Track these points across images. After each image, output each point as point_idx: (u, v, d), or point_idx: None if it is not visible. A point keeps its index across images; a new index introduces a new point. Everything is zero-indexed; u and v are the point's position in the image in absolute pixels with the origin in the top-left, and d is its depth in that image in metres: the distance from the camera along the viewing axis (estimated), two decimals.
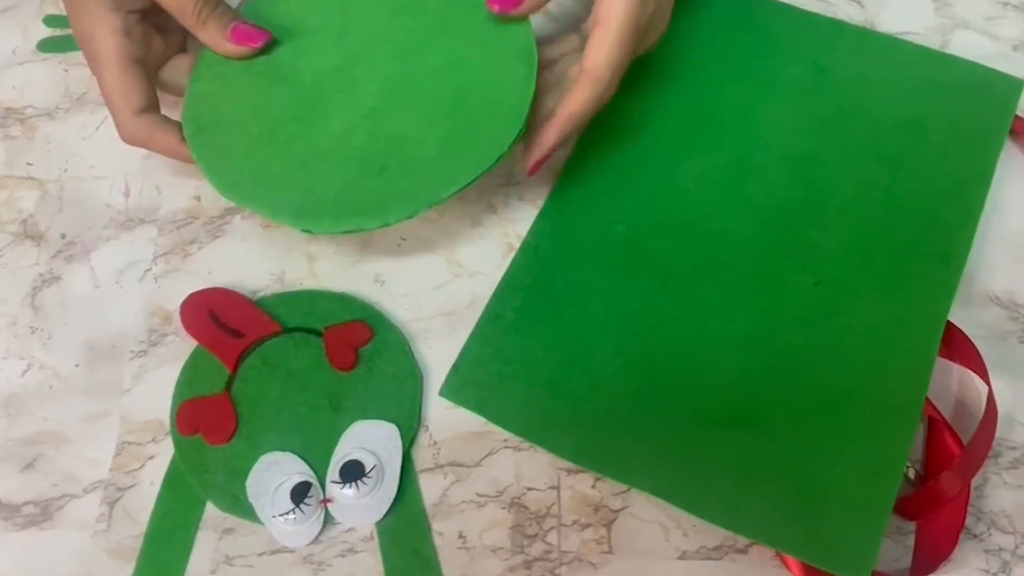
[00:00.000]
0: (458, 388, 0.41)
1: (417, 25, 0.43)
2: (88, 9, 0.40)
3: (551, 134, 0.41)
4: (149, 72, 0.42)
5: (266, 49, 0.42)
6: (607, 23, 0.40)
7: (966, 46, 0.50)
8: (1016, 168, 0.47)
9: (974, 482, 0.39)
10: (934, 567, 0.37)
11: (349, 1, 0.44)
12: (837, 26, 0.51)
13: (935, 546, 0.38)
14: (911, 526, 0.39)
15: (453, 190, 0.39)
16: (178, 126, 0.42)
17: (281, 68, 0.42)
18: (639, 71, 0.45)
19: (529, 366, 0.42)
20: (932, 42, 0.50)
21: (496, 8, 0.41)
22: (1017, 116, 0.47)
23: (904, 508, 0.39)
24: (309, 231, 0.40)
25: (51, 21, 0.53)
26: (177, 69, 0.44)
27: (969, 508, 0.39)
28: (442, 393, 0.41)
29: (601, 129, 0.47)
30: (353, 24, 0.43)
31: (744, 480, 0.39)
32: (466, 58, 0.41)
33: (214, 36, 0.42)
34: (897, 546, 0.39)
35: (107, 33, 0.40)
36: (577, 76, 0.41)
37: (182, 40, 0.45)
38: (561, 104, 0.41)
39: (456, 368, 0.42)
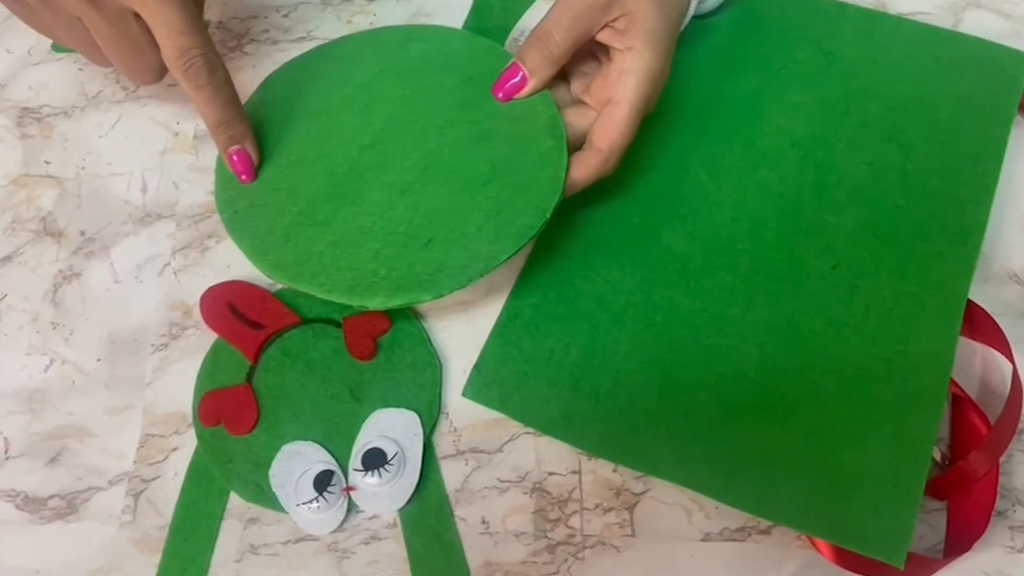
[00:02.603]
0: (481, 388, 0.42)
1: (441, 103, 0.43)
2: None
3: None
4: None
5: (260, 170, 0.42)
6: (621, 102, 0.40)
7: (979, 25, 0.50)
8: None
9: (1000, 460, 0.39)
10: (967, 546, 0.37)
11: (368, 79, 0.44)
12: (841, 8, 0.51)
13: (967, 525, 0.38)
14: (937, 505, 0.39)
15: (503, 258, 0.39)
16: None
17: (311, 148, 0.42)
18: None
19: (550, 362, 0.42)
20: (944, 21, 0.50)
21: (501, 96, 0.42)
22: None
23: (933, 488, 0.39)
24: (364, 307, 0.40)
25: None
26: None
27: None
28: (465, 394, 0.41)
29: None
30: (376, 102, 0.43)
31: (771, 466, 0.39)
32: (493, 131, 0.42)
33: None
34: (923, 525, 0.39)
35: None
36: (585, 148, 0.41)
37: None
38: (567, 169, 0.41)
39: (478, 368, 0.42)
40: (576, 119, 0.42)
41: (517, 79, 0.42)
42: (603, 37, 0.41)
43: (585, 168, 0.41)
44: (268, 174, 0.42)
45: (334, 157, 0.42)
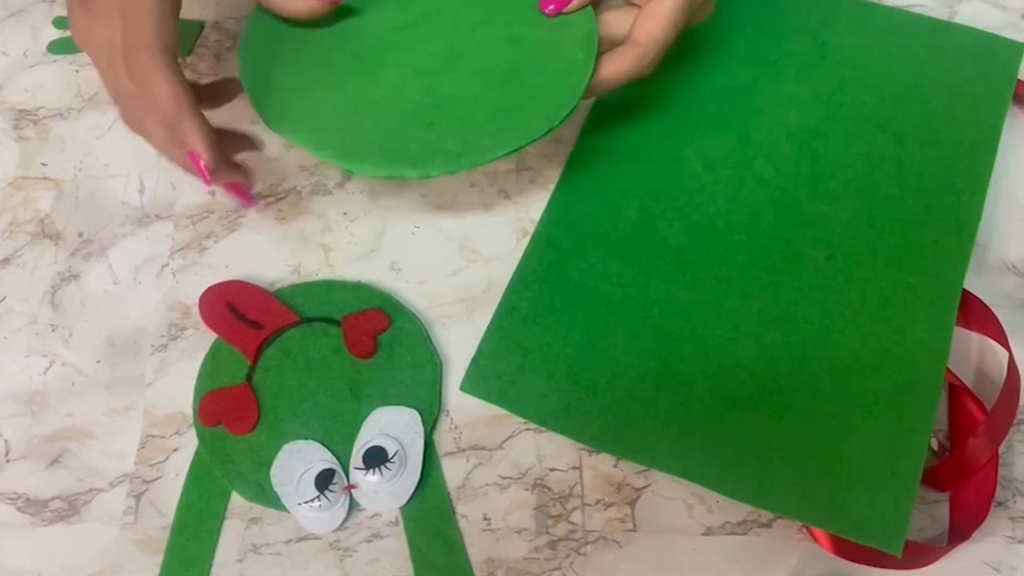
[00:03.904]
0: (478, 382, 0.42)
1: (480, 3, 0.43)
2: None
3: None
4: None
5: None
6: None
7: (974, 16, 0.50)
8: (1022, 133, 0.47)
9: (999, 450, 0.39)
10: (968, 535, 0.37)
11: None
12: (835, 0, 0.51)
13: (968, 515, 0.38)
14: (936, 495, 0.39)
15: (499, 153, 0.39)
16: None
17: (343, 21, 0.42)
18: None
19: (547, 356, 0.42)
20: (940, 12, 0.50)
21: (551, 9, 0.42)
22: (1020, 80, 0.47)
23: (934, 478, 0.39)
24: (350, 171, 0.40)
25: (61, 23, 0.53)
26: None
27: None
28: (463, 388, 0.41)
29: (607, 114, 0.47)
30: None
31: (769, 457, 0.39)
32: (526, 36, 0.42)
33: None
34: (923, 516, 0.39)
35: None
36: (624, 43, 0.40)
37: None
38: (598, 65, 0.40)
39: (475, 362, 0.42)
40: (621, 19, 0.41)
41: None
42: None
43: (621, 62, 0.40)
44: (296, 34, 0.42)
45: (363, 33, 0.42)
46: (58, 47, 0.53)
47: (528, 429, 0.41)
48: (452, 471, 0.41)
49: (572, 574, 0.38)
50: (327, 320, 0.43)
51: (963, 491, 0.39)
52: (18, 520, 0.41)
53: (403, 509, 0.40)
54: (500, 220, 0.46)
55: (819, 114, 0.47)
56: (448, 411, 0.42)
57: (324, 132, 0.39)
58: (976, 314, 0.41)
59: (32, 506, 0.41)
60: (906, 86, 0.47)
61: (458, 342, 0.43)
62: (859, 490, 0.38)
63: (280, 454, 0.40)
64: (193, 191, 0.47)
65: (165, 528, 0.40)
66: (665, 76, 0.47)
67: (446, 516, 0.40)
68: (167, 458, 0.41)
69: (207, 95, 0.43)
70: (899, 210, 0.44)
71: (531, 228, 0.45)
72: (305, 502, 0.39)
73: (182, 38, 0.52)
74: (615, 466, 0.40)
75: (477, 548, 0.39)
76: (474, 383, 0.42)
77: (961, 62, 0.48)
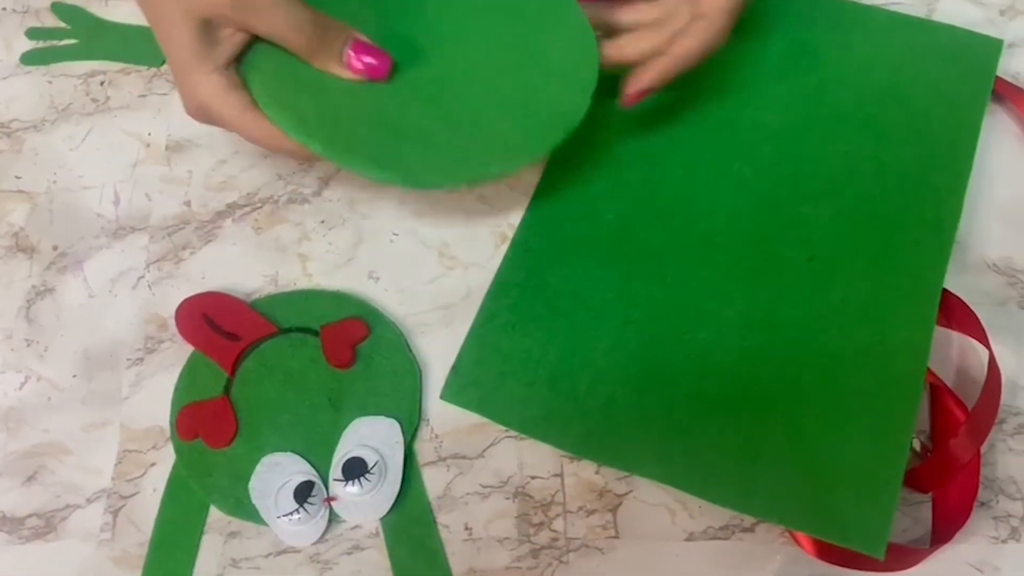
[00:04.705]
0: (458, 390, 0.41)
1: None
2: (192, 76, 0.37)
3: (653, 73, 0.41)
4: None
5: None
6: None
7: (952, 13, 0.50)
8: (1002, 131, 0.47)
9: (981, 449, 0.39)
10: (951, 535, 0.37)
11: None
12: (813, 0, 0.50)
13: (951, 515, 0.38)
14: (919, 497, 0.39)
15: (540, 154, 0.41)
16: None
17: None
18: None
19: (528, 363, 0.42)
20: (918, 11, 0.50)
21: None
22: (998, 78, 0.47)
23: (916, 479, 0.39)
24: (379, 179, 0.39)
25: (34, 34, 0.53)
26: None
27: None
28: (443, 396, 0.41)
29: (585, 120, 0.47)
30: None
31: (751, 461, 0.39)
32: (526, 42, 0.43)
33: (328, 65, 0.39)
34: (906, 518, 0.39)
35: (215, 95, 0.37)
36: (690, 19, 0.41)
37: None
38: (672, 44, 0.41)
39: (455, 370, 0.42)
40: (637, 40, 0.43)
41: None
42: None
43: (693, 39, 0.40)
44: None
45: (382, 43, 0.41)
46: (32, 58, 0.52)
47: (509, 437, 0.41)
48: (433, 481, 0.40)
49: None
50: (305, 330, 0.43)
51: (946, 492, 0.39)
52: None
53: (383, 520, 0.39)
54: (479, 226, 0.46)
55: (798, 114, 0.47)
56: (428, 420, 0.41)
57: (345, 137, 0.39)
58: (956, 313, 0.41)
59: (8, 524, 0.40)
60: (885, 85, 0.47)
61: (437, 350, 0.43)
62: (841, 493, 0.37)
63: (258, 467, 0.40)
64: (169, 202, 0.47)
65: (143, 544, 0.40)
66: None
67: (427, 527, 0.39)
68: (144, 473, 0.41)
69: None
70: (879, 210, 0.44)
71: (510, 234, 0.45)
72: (284, 515, 0.39)
73: (156, 47, 0.52)
74: (597, 473, 0.40)
75: (459, 558, 0.39)
76: (454, 391, 0.41)
77: (940, 60, 0.48)
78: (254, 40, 0.38)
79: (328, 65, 0.39)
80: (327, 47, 0.38)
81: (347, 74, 0.39)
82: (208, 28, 0.37)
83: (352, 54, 0.39)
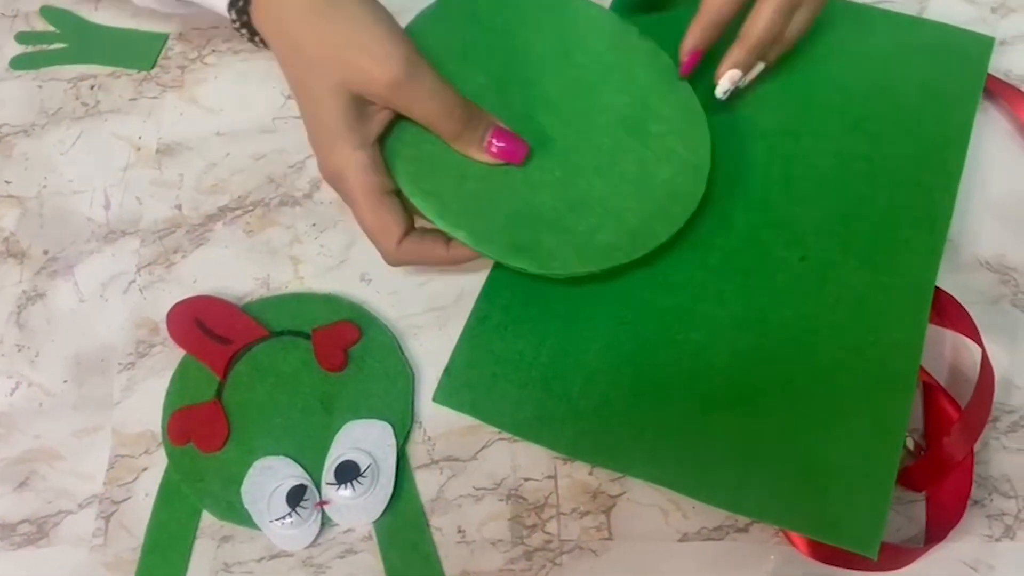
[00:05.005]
0: (451, 392, 0.41)
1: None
2: (336, 148, 0.38)
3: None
4: (400, 197, 0.40)
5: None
6: None
7: (944, 11, 0.50)
8: (993, 129, 0.47)
9: (975, 448, 0.39)
10: (945, 534, 0.37)
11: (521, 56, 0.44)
12: None
13: (945, 514, 0.38)
14: (913, 496, 0.39)
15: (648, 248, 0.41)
16: (438, 236, 0.40)
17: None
18: None
19: (521, 364, 0.41)
20: (909, 9, 0.50)
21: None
22: (990, 75, 0.47)
23: (910, 478, 0.39)
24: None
25: (23, 38, 0.53)
26: None
27: None
28: (435, 399, 0.41)
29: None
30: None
31: (745, 461, 0.38)
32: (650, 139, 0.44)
33: (469, 150, 0.40)
34: (900, 516, 0.39)
35: (357, 172, 0.38)
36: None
37: None
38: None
39: (448, 372, 0.42)
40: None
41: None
42: None
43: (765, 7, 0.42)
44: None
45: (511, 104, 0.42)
46: (22, 62, 0.52)
47: (502, 439, 0.41)
48: (426, 483, 0.40)
49: None
50: (297, 333, 0.43)
51: (939, 490, 0.38)
52: None
53: (376, 524, 0.39)
54: None
55: (789, 113, 0.47)
56: (421, 423, 0.41)
57: (485, 224, 0.39)
58: (949, 311, 0.41)
59: (0, 531, 0.40)
60: (876, 83, 0.47)
61: (430, 352, 0.43)
62: (835, 492, 0.37)
63: (251, 471, 0.40)
64: (160, 205, 0.47)
65: (135, 549, 0.39)
66: None
67: (420, 530, 0.39)
68: (136, 478, 0.41)
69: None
70: (871, 209, 0.44)
71: None
72: (277, 519, 0.38)
73: (146, 50, 0.52)
74: (590, 474, 0.40)
75: (452, 561, 0.39)
76: (447, 394, 0.41)
77: (931, 58, 0.48)
78: (397, 118, 0.39)
79: (469, 150, 0.40)
80: (471, 132, 0.39)
81: (486, 158, 0.40)
82: (360, 103, 0.37)
83: (493, 140, 0.40)
